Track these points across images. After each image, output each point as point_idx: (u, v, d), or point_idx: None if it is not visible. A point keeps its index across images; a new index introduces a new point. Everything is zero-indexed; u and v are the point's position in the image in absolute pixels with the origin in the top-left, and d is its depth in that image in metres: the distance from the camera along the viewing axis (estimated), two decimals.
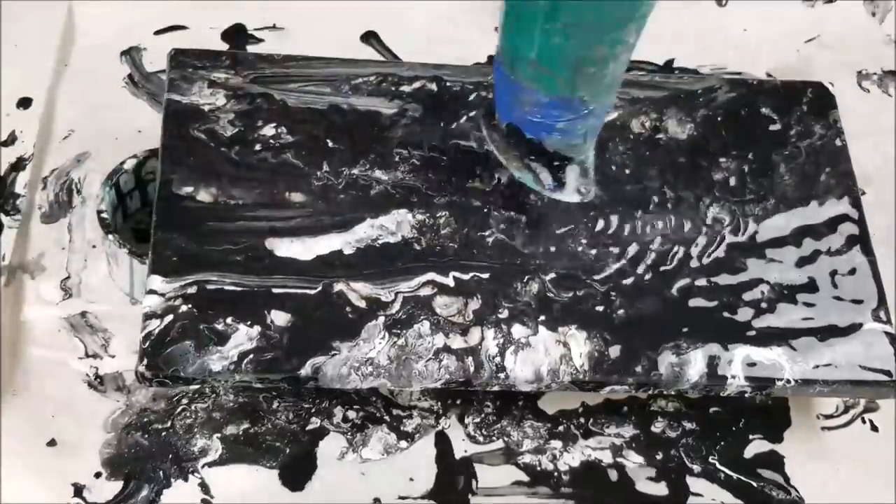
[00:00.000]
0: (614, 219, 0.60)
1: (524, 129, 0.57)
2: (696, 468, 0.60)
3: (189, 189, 0.57)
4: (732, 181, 0.63)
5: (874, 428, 0.63)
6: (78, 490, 0.55)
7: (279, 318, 0.54)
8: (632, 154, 0.63)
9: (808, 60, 0.75)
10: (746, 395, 0.57)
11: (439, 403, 0.60)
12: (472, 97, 0.63)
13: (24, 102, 0.68)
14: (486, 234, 0.59)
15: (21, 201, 0.64)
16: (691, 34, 0.76)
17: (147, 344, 0.52)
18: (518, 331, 0.55)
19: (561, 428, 0.60)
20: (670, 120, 0.65)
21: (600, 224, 0.60)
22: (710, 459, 0.60)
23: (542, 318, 0.56)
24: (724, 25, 0.78)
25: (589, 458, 0.59)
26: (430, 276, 0.56)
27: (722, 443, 0.61)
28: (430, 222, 0.58)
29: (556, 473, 0.58)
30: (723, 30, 0.78)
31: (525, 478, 0.58)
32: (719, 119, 0.65)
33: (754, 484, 0.59)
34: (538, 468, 0.59)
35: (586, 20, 0.50)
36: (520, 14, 0.51)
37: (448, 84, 0.63)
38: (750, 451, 0.61)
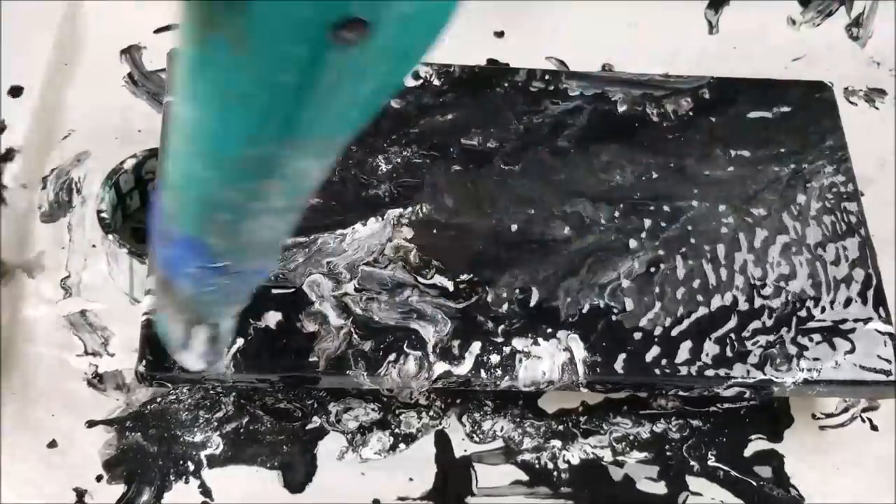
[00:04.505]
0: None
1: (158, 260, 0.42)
2: (696, 467, 0.60)
3: None
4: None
5: (874, 427, 0.63)
6: (80, 494, 0.55)
7: (279, 317, 0.54)
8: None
9: (796, 77, 0.76)
10: (746, 396, 0.57)
11: (440, 401, 0.60)
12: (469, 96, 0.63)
13: (15, 91, 0.68)
14: (487, 233, 0.59)
15: (8, 193, 0.63)
16: (682, 54, 0.76)
17: (146, 344, 0.52)
18: (519, 338, 0.55)
19: (561, 427, 0.60)
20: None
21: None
22: (710, 458, 0.60)
23: (545, 324, 0.56)
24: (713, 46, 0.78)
25: (589, 457, 0.59)
26: (431, 275, 0.56)
27: (722, 441, 0.61)
28: (430, 221, 0.59)
29: (555, 472, 0.58)
30: (712, 49, 0.78)
31: (525, 477, 0.58)
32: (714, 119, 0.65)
33: (754, 483, 0.59)
34: (537, 467, 0.59)
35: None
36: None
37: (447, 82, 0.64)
38: (750, 450, 0.61)
